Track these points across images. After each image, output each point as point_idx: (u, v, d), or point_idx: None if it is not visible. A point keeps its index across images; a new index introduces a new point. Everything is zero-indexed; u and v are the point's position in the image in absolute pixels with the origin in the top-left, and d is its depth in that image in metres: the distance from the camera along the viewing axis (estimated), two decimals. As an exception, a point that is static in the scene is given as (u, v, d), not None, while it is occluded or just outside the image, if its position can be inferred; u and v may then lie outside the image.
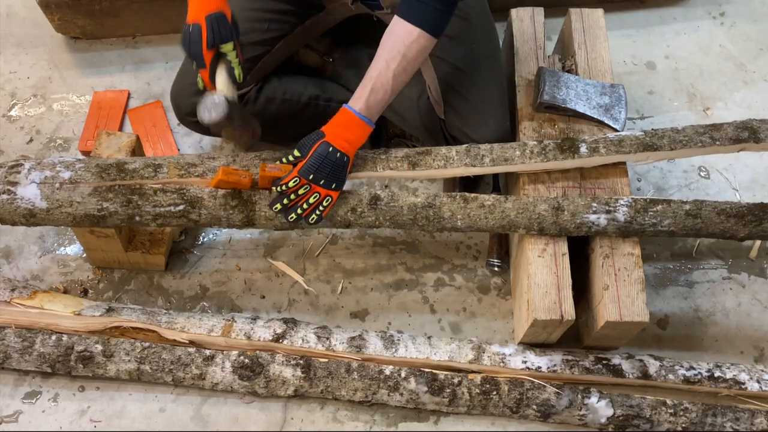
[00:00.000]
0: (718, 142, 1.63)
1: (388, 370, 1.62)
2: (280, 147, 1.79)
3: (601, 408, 1.59)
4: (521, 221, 1.60)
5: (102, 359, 1.62)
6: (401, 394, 1.61)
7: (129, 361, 1.61)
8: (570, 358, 1.63)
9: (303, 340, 1.64)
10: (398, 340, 1.66)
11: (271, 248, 1.89)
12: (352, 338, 1.65)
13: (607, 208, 1.59)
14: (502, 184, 1.88)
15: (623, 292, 1.57)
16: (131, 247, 1.78)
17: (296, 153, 1.54)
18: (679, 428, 1.59)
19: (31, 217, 1.57)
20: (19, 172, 1.58)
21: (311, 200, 1.52)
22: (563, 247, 1.62)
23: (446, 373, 1.62)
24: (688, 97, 2.18)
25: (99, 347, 1.62)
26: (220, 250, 1.88)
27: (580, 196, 1.66)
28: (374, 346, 1.64)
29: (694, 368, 1.63)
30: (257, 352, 1.63)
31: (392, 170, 1.63)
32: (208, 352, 1.63)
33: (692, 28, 2.32)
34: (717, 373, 1.62)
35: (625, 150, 1.65)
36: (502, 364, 1.62)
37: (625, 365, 1.62)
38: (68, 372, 1.64)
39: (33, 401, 1.67)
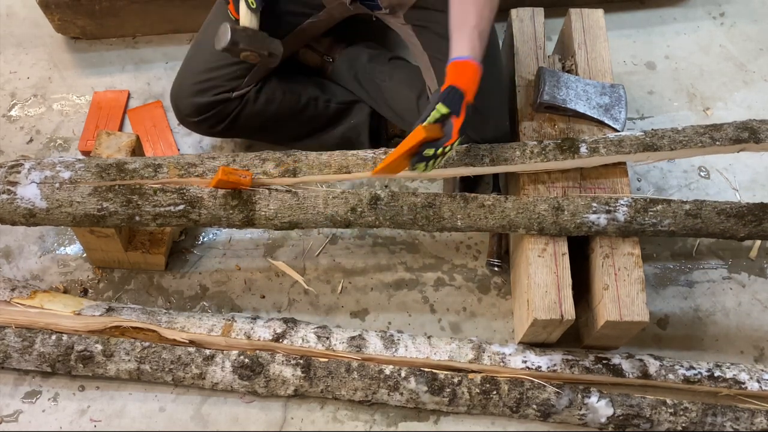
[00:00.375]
0: (718, 143, 1.63)
1: (388, 369, 1.62)
2: (280, 147, 1.79)
3: (601, 407, 1.59)
4: (521, 221, 1.60)
5: (102, 359, 1.62)
6: (401, 394, 1.61)
7: (129, 360, 1.61)
8: (570, 357, 1.63)
9: (303, 339, 1.64)
10: (398, 339, 1.66)
11: (271, 248, 1.89)
12: (352, 338, 1.65)
13: (607, 207, 1.59)
14: (502, 184, 1.88)
15: (623, 292, 1.57)
16: (131, 247, 1.78)
17: (443, 110, 1.44)
18: (679, 428, 1.59)
19: (30, 217, 1.58)
20: (19, 172, 1.58)
21: (448, 150, 1.46)
22: (563, 247, 1.62)
23: (446, 372, 1.62)
24: (688, 97, 2.18)
25: (99, 347, 1.62)
26: (220, 250, 1.88)
27: (580, 196, 1.66)
28: (374, 346, 1.64)
29: (694, 368, 1.63)
30: (257, 351, 1.63)
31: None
32: (208, 351, 1.63)
33: (692, 28, 2.32)
34: (717, 373, 1.62)
35: (625, 150, 1.64)
36: (502, 363, 1.62)
37: (625, 365, 1.62)
38: (68, 372, 1.64)
39: (33, 401, 1.67)
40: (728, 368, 1.64)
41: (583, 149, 1.65)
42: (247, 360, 1.61)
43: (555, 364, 1.62)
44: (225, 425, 1.65)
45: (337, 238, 1.91)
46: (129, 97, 2.13)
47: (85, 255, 1.85)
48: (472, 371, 1.63)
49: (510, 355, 1.64)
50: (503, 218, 1.60)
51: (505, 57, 1.94)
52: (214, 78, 1.75)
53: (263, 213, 1.59)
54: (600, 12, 1.91)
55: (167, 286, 1.83)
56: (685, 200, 1.62)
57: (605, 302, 1.56)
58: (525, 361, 1.62)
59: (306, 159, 1.64)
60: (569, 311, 1.55)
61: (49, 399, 1.67)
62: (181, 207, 1.57)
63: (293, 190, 1.61)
